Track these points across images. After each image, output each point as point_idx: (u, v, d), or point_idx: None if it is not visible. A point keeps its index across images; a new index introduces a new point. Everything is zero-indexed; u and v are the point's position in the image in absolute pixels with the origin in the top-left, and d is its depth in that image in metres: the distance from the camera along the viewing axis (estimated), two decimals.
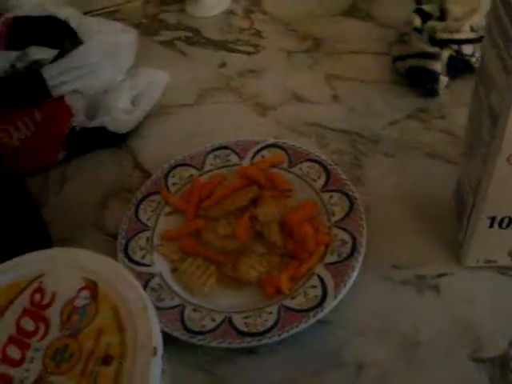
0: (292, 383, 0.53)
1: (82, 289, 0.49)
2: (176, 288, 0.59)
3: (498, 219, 0.53)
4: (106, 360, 0.44)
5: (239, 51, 0.93)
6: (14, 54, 0.73)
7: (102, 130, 0.76)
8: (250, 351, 0.55)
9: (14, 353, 0.45)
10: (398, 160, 0.71)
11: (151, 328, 0.46)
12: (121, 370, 0.43)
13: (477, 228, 0.54)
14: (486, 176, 0.49)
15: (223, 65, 0.89)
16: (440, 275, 0.60)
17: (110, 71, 0.78)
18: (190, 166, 0.70)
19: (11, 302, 0.48)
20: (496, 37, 0.45)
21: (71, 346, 0.45)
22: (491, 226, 0.54)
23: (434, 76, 0.78)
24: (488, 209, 0.52)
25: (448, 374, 0.53)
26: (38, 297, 0.48)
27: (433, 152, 0.72)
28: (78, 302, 0.48)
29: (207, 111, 0.82)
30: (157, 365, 0.44)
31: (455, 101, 0.78)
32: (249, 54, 0.92)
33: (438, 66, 0.77)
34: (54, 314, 0.47)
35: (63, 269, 0.50)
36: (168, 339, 0.54)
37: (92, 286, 0.49)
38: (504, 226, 0.53)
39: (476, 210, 0.53)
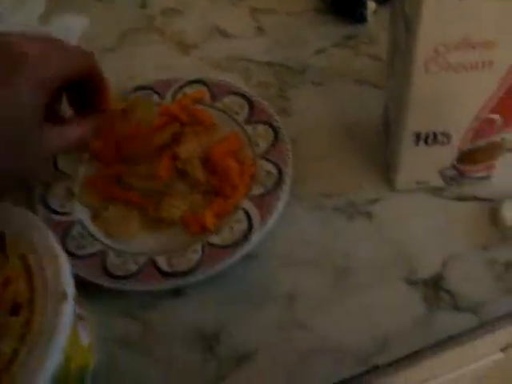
0: (222, 322, 0.52)
1: None
2: (97, 234, 0.56)
3: (423, 135, 0.51)
4: (15, 309, 0.42)
5: None
6: None
7: None
8: (177, 293, 0.53)
9: None
10: (325, 88, 0.69)
11: (61, 273, 0.43)
12: (30, 318, 0.42)
13: (403, 146, 0.52)
14: (406, 88, 0.47)
15: (144, 5, 0.85)
16: (372, 201, 0.58)
17: (18, 17, 0.73)
18: None
19: None
20: None
21: None
22: (417, 143, 0.52)
23: (361, 2, 0.75)
24: (411, 124, 0.50)
25: (382, 298, 0.52)
26: None
27: (361, 78, 0.69)
28: None
29: (129, 54, 0.78)
30: (68, 309, 0.42)
31: (383, 26, 0.74)
32: None
33: None
34: None
35: None
36: (92, 287, 0.52)
37: None
38: (430, 142, 0.52)
39: (400, 127, 0.51)
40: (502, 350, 0.71)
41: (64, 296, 0.42)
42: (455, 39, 0.42)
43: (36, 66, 0.40)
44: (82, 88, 0.47)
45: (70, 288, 0.43)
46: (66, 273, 0.43)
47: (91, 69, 0.46)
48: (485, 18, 0.40)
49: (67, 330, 0.41)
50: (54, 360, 0.40)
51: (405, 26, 0.45)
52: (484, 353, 0.67)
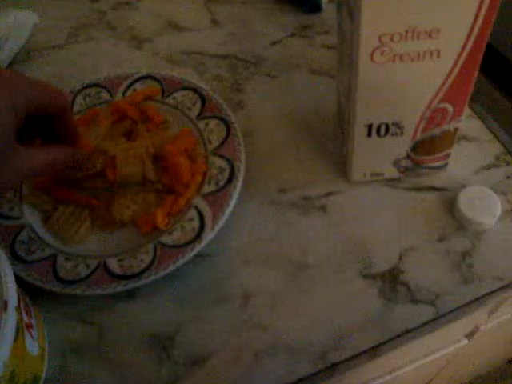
0: (177, 324, 0.51)
1: None
2: (47, 238, 0.55)
3: (375, 126, 0.50)
4: None
5: None
6: None
7: None
8: (131, 296, 0.52)
9: None
10: (281, 80, 0.68)
11: (1, 282, 0.42)
12: None
13: (355, 138, 0.51)
14: (353, 79, 0.46)
15: None
16: (327, 194, 0.57)
17: None
18: None
19: None
20: None
21: None
22: (369, 134, 0.51)
23: None
24: (362, 116, 0.49)
25: (339, 294, 0.51)
26: None
27: (317, 69, 0.68)
28: None
29: (80, 50, 0.76)
30: (9, 320, 0.40)
31: None
32: None
33: None
34: None
35: None
36: (44, 292, 0.51)
37: None
38: (382, 133, 0.51)
39: (351, 119, 0.50)
40: (467, 336, 0.71)
41: (5, 305, 0.40)
42: (399, 28, 0.41)
43: (10, 90, 0.40)
44: (50, 123, 0.47)
45: (11, 297, 0.41)
46: (7, 281, 0.42)
47: (62, 106, 0.45)
48: (428, 6, 0.39)
49: (8, 341, 0.40)
50: None
51: (349, 15, 0.43)
52: (442, 344, 0.67)
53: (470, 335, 0.71)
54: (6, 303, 0.40)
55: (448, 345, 0.68)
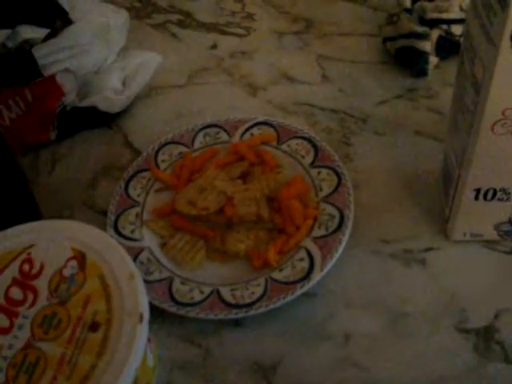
0: (279, 356, 0.54)
1: (70, 259, 0.49)
2: (164, 262, 0.59)
3: (483, 191, 0.53)
4: (93, 327, 0.45)
5: (231, 33, 0.93)
6: (4, 32, 0.73)
7: (93, 109, 0.76)
8: (237, 324, 0.56)
9: (2, 321, 0.45)
10: (386, 138, 0.72)
11: (138, 295, 0.46)
12: (107, 336, 0.44)
13: (462, 200, 0.55)
14: (470, 147, 0.49)
15: (214, 46, 0.89)
16: (427, 249, 0.60)
17: (100, 51, 0.78)
18: (179, 143, 0.70)
19: (0, 272, 0.49)
20: (479, 7, 0.45)
21: (59, 314, 0.46)
22: (476, 198, 0.54)
23: (423, 56, 0.78)
24: (473, 180, 0.52)
25: (434, 344, 0.53)
26: (26, 267, 0.49)
27: (421, 130, 0.72)
28: (66, 272, 0.48)
29: (198, 92, 0.83)
30: (143, 331, 0.44)
31: (444, 81, 0.78)
32: (240, 36, 0.92)
33: (427, 46, 0.78)
34: (42, 283, 0.48)
35: (52, 240, 0.51)
36: (156, 312, 0.55)
37: (80, 256, 0.49)
38: (489, 198, 0.54)
39: (461, 182, 0.53)
40: None
41: (140, 318, 0.45)
42: None
43: None
44: None
45: (145, 310, 0.45)
46: (142, 295, 0.46)
47: None
48: None
49: (141, 351, 0.44)
50: (127, 379, 0.42)
51: (473, 87, 0.47)
52: None
53: None
54: (141, 316, 0.45)
55: None
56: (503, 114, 0.45)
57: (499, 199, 0.54)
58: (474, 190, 0.53)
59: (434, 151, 0.67)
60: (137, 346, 0.43)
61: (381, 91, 0.78)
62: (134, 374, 0.44)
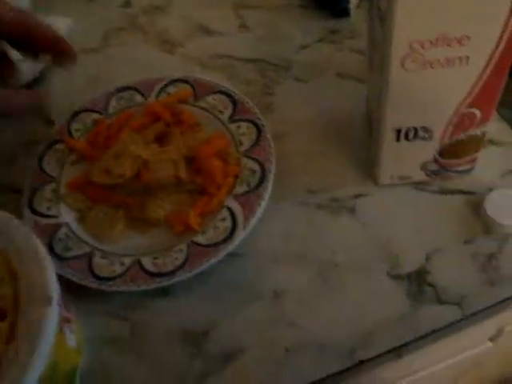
0: (209, 321, 0.52)
1: None
2: (84, 237, 0.57)
3: (404, 131, 0.51)
4: (0, 314, 0.42)
5: None
6: None
7: None
8: (164, 293, 0.54)
9: None
10: (309, 84, 0.69)
11: (46, 277, 0.44)
12: (15, 323, 0.42)
13: (384, 142, 0.53)
14: (384, 85, 0.47)
15: (127, 4, 0.85)
16: (355, 196, 0.58)
17: None
18: (92, 111, 0.66)
19: None
20: None
21: None
22: (398, 139, 0.52)
23: None
24: (391, 121, 0.50)
25: (366, 293, 0.52)
26: None
27: (345, 73, 0.70)
28: None
29: (113, 54, 0.78)
30: (53, 314, 0.42)
31: (366, 20, 0.75)
32: None
33: None
34: None
35: None
36: (79, 289, 0.53)
37: None
38: (410, 137, 0.52)
39: (381, 123, 0.51)
40: (491, 339, 0.72)
41: (49, 300, 0.42)
42: (430, 36, 0.42)
43: None
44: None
45: (54, 292, 0.43)
46: (51, 277, 0.44)
47: (26, 26, 0.48)
48: (459, 12, 0.41)
49: (52, 335, 0.41)
50: (39, 364, 0.40)
51: (380, 21, 0.45)
52: (468, 345, 0.68)
53: (495, 337, 0.71)
54: (50, 299, 0.42)
55: (473, 346, 0.69)
56: (411, 47, 0.43)
57: (422, 138, 0.52)
58: (394, 130, 0.51)
59: (359, 94, 0.64)
60: (47, 330, 0.41)
61: (302, 36, 0.75)
62: (49, 359, 0.41)
